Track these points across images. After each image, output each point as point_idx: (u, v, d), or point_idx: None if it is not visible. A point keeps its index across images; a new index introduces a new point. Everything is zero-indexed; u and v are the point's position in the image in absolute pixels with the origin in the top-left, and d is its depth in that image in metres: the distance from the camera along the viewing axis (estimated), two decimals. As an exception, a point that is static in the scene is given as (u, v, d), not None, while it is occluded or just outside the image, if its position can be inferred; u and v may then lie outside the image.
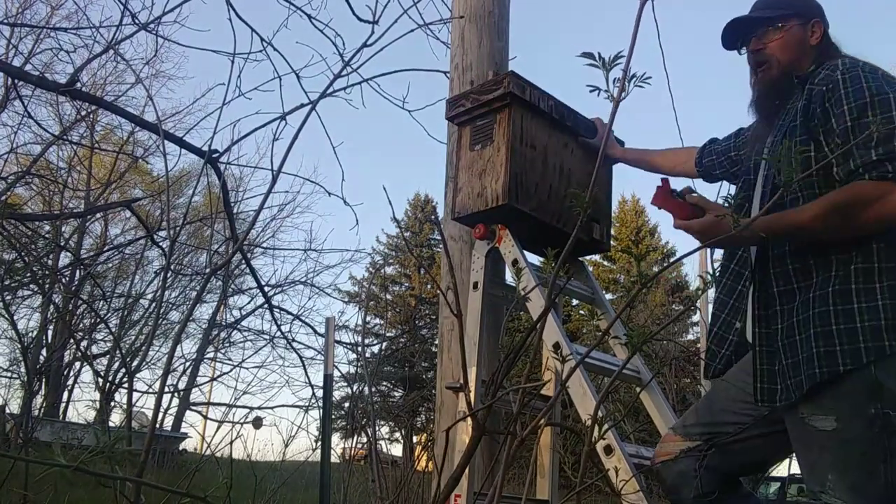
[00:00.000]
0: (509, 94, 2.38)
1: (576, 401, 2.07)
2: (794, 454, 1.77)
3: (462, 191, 2.48)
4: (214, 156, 3.44)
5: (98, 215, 16.19)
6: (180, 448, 14.84)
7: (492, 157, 2.41)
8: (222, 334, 19.86)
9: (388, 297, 27.31)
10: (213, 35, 3.76)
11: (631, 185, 36.02)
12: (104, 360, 16.69)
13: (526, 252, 2.43)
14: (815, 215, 1.64)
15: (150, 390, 14.31)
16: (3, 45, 9.65)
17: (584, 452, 1.23)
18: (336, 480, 3.89)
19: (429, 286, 25.76)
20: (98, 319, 12.90)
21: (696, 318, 20.67)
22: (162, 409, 17.23)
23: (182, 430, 18.20)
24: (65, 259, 12.34)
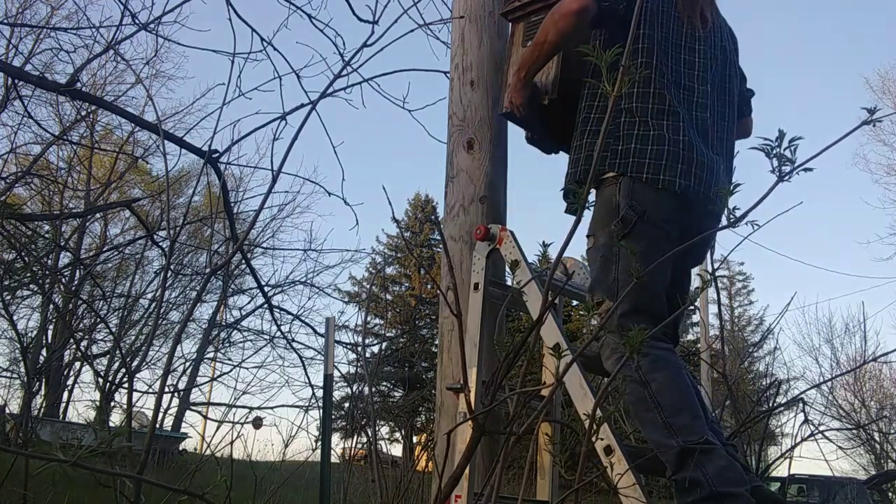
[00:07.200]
0: None
1: (575, 401, 2.07)
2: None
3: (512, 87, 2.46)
4: (214, 156, 3.44)
5: (98, 215, 16.20)
6: (180, 448, 14.83)
7: None
8: (222, 334, 19.88)
9: (388, 297, 27.30)
10: (213, 35, 3.76)
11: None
12: (104, 360, 16.70)
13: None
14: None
15: (150, 390, 14.35)
16: (3, 45, 9.65)
17: (583, 451, 1.23)
18: (336, 480, 3.89)
19: (429, 286, 25.74)
20: (98, 319, 12.91)
21: (695, 318, 20.68)
22: (162, 409, 17.25)
23: (182, 430, 18.21)
24: (65, 259, 12.33)
